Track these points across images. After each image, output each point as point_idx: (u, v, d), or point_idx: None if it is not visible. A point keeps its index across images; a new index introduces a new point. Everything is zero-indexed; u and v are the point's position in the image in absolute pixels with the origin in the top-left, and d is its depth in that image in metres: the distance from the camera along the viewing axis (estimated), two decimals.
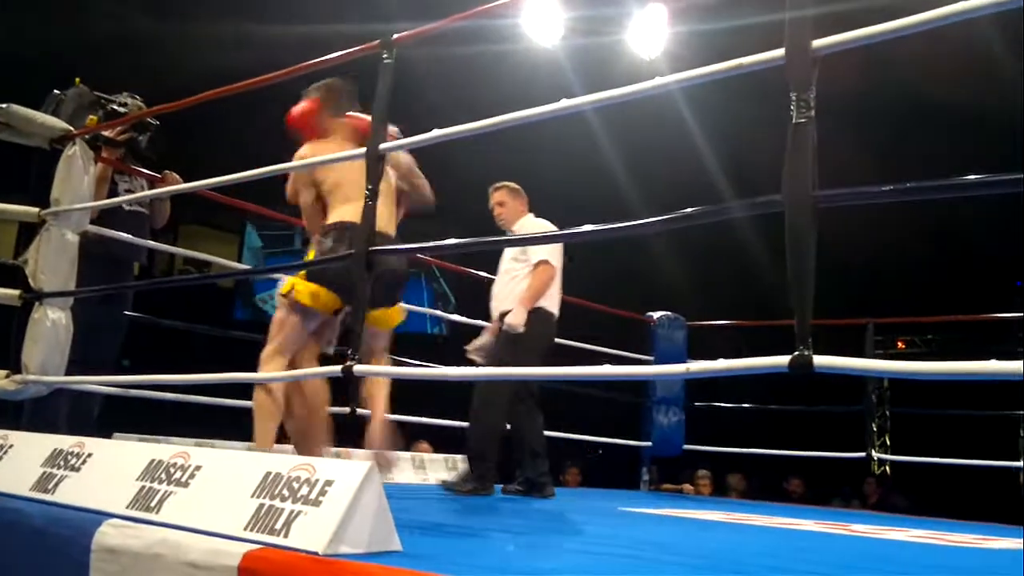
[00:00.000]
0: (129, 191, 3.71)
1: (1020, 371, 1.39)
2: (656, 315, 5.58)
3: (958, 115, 7.25)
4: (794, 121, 1.61)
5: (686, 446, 5.63)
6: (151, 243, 4.54)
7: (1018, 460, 10.36)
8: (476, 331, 3.98)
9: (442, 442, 5.30)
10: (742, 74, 1.82)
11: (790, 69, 1.64)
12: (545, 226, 3.87)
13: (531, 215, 3.99)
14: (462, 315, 5.43)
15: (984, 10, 1.61)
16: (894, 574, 2.14)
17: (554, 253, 3.76)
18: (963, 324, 9.01)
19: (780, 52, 1.68)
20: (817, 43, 1.64)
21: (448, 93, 6.88)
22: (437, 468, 4.39)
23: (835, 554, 2.55)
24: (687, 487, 5.98)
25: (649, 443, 5.48)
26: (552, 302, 3.79)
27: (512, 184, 4.01)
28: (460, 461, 4.48)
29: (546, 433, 4.02)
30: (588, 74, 7.03)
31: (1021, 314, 9.46)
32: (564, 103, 2.18)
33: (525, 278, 3.76)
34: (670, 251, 8.15)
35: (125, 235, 3.52)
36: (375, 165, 2.08)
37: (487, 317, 4.00)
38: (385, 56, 2.22)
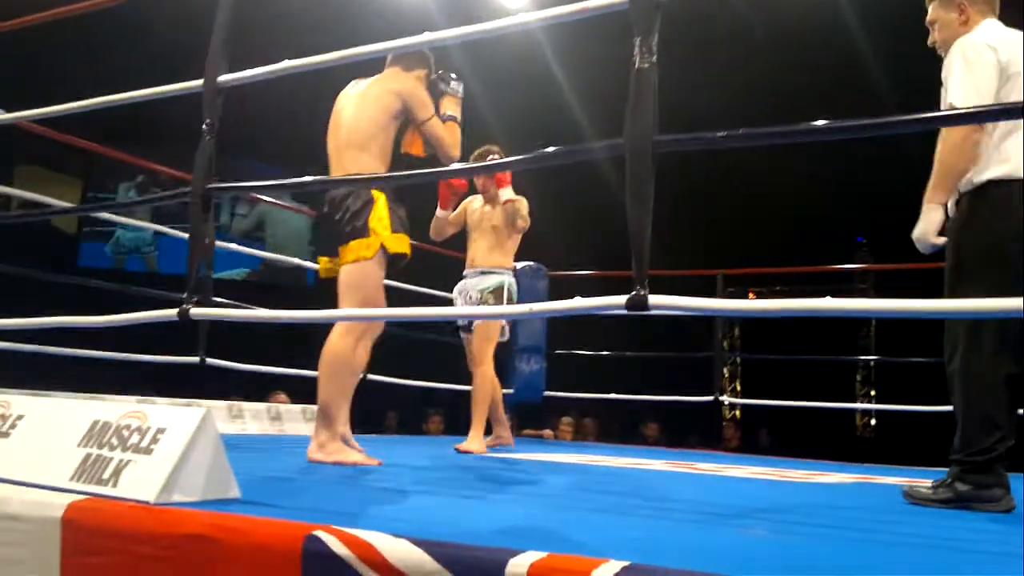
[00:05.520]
0: None
1: (831, 308, 1.47)
2: (519, 265, 5.62)
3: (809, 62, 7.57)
4: (636, 66, 1.63)
5: (548, 392, 5.75)
6: None
7: (856, 401, 11.16)
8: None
9: (301, 393, 5.22)
10: (616, 18, 1.78)
11: (633, 14, 1.65)
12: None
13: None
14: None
15: None
16: (720, 504, 2.27)
17: None
18: (809, 275, 9.54)
19: None
20: None
21: (308, 35, 6.63)
22: (294, 419, 4.32)
23: (664, 488, 2.67)
24: (547, 432, 6.12)
25: (511, 390, 5.56)
26: None
27: None
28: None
29: (404, 382, 4.00)
30: (454, 20, 6.92)
31: (860, 265, 10.16)
32: (426, 36, 2.15)
33: None
34: (536, 200, 8.22)
35: None
36: (212, 99, 1.97)
37: None
38: None
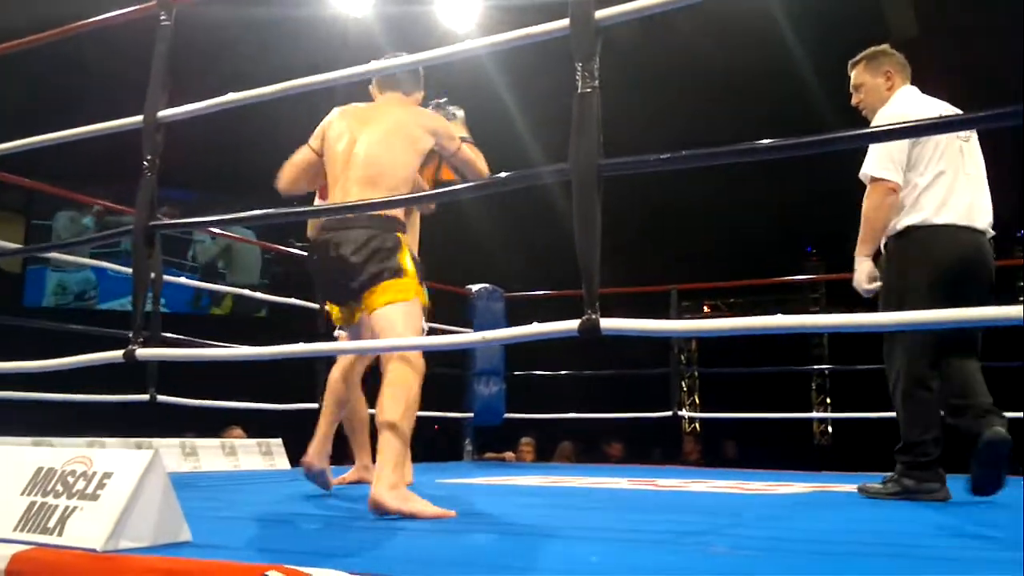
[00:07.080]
0: None
1: (784, 324, 1.49)
2: (475, 287, 5.63)
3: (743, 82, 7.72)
4: (579, 91, 1.64)
5: (508, 415, 5.73)
6: None
7: (811, 411, 11.31)
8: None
9: (256, 427, 5.14)
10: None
11: (574, 39, 1.67)
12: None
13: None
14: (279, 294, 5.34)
15: None
16: (681, 521, 2.27)
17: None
18: (760, 287, 9.71)
19: (565, 23, 1.70)
20: (600, 14, 1.68)
21: (252, 61, 6.56)
22: (250, 454, 4.24)
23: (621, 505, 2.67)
24: (508, 455, 6.09)
25: (471, 414, 5.54)
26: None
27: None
28: (274, 445, 4.36)
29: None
30: (400, 46, 6.94)
31: (812, 276, 10.36)
32: (373, 64, 2.15)
33: None
34: (491, 223, 8.23)
35: None
36: (151, 135, 1.94)
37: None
38: (163, 18, 2.07)
